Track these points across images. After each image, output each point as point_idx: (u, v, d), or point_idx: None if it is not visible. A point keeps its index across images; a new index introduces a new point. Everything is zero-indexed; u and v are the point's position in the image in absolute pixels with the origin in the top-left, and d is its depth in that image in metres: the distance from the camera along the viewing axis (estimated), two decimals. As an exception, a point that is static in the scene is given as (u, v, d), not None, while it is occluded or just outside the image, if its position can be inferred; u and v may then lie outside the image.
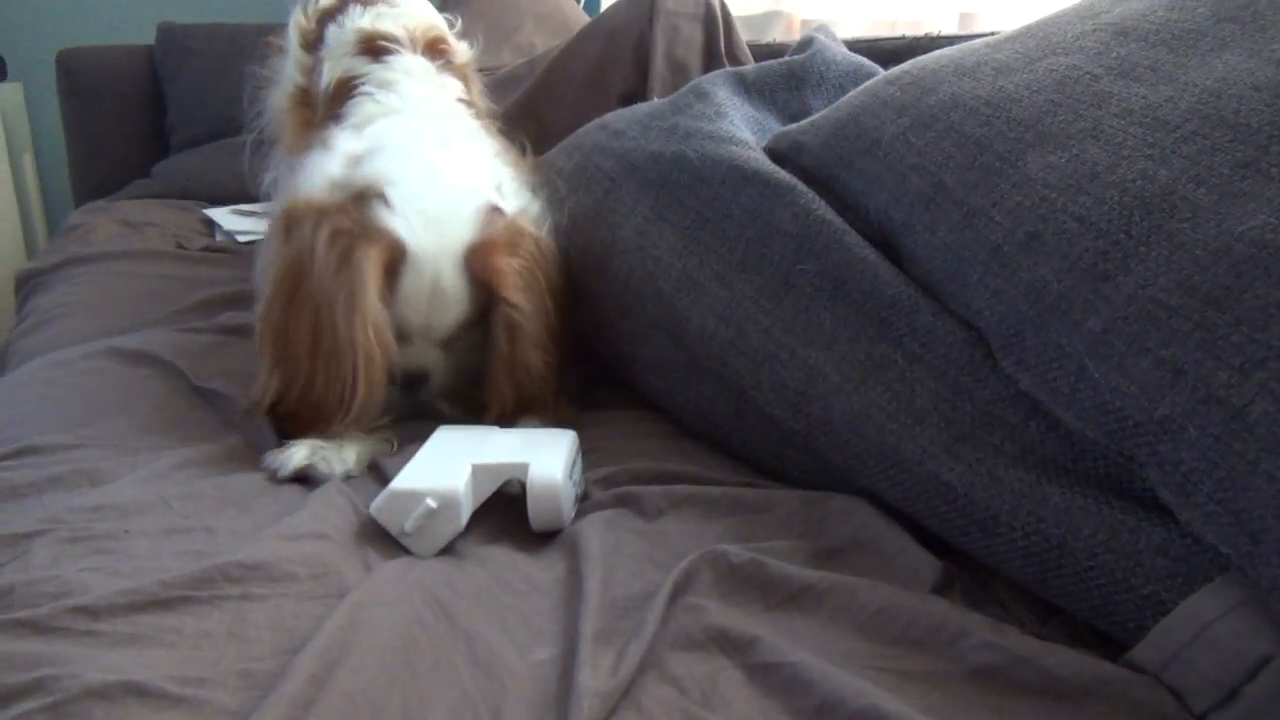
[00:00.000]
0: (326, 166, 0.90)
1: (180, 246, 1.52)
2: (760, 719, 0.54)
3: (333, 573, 0.64)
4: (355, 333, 0.78)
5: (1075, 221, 0.60)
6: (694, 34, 1.45)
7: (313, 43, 1.22)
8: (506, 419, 0.87)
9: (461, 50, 1.25)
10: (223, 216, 1.72)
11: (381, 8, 1.19)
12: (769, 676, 0.56)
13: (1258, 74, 0.59)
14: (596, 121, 1.07)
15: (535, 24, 1.97)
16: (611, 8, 1.57)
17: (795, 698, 0.54)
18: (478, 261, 0.84)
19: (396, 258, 0.82)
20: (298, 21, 1.25)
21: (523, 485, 0.71)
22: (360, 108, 1.03)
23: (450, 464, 0.72)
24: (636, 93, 1.44)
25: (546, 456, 0.73)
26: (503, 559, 0.69)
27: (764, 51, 1.57)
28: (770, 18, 2.03)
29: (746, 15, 2.06)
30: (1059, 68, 0.71)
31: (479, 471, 0.72)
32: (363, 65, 1.11)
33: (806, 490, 0.76)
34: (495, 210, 0.88)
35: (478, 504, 0.72)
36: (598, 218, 0.94)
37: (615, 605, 0.62)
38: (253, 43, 2.08)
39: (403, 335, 0.85)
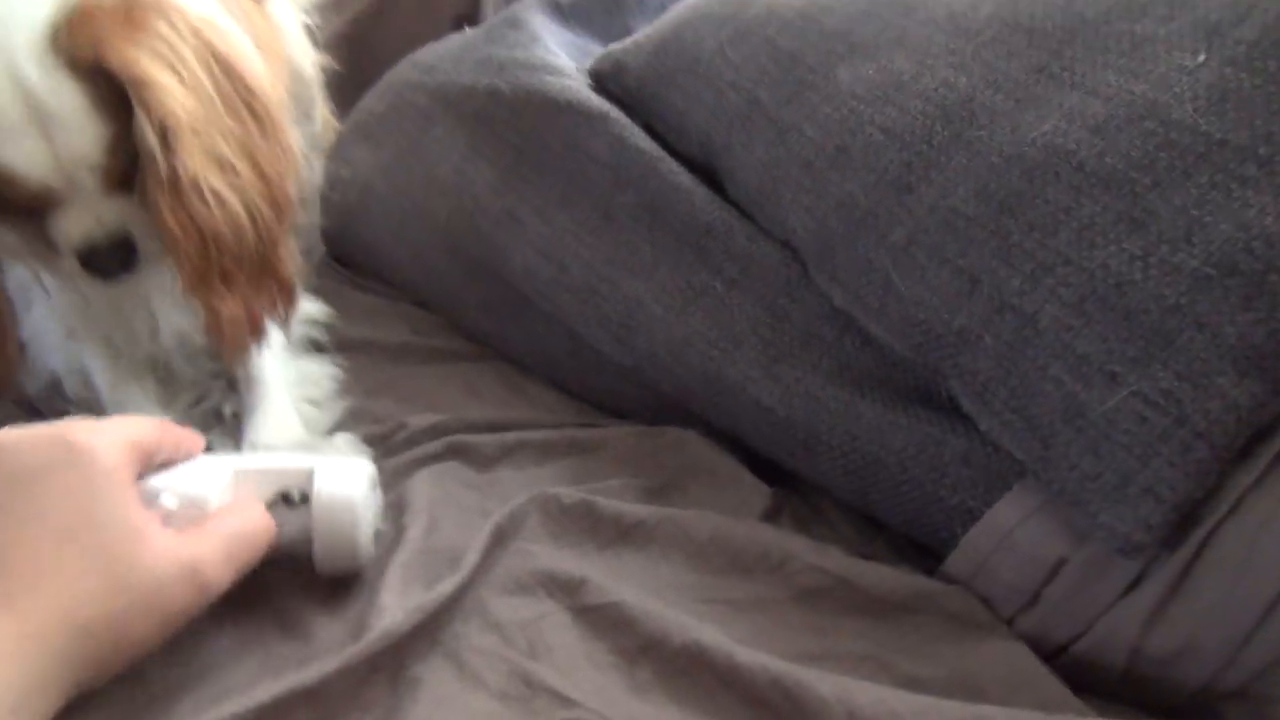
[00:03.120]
0: None
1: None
2: (585, 662, 0.52)
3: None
4: None
5: (881, 133, 0.59)
6: (527, -49, 1.38)
7: None
8: (205, 294, 0.62)
9: None
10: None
11: None
12: (595, 617, 0.55)
13: (1054, -24, 0.59)
14: (407, 59, 1.02)
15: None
16: (439, -76, 1.47)
17: (620, 637, 0.53)
18: (76, 41, 0.56)
19: None
20: None
21: (305, 496, 0.55)
22: None
23: (221, 465, 0.56)
24: (469, 15, 1.36)
25: (349, 466, 0.57)
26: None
27: (605, -31, 1.51)
28: (615, -66, 1.96)
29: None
30: (871, -24, 0.70)
31: (245, 477, 0.55)
32: None
33: (641, 426, 0.74)
34: None
35: None
36: (413, 157, 0.88)
37: (435, 552, 0.59)
38: None
39: (49, 197, 0.60)
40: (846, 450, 0.59)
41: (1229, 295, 0.44)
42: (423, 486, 0.66)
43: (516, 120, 0.83)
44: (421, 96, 0.94)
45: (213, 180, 0.59)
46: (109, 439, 0.44)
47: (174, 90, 0.58)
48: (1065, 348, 0.48)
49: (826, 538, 0.62)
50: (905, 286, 0.55)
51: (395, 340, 0.89)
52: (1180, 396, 0.44)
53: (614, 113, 0.79)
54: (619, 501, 0.64)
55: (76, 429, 0.44)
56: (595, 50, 0.96)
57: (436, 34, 1.18)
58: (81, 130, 0.58)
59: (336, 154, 1.03)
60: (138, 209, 0.62)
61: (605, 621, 0.54)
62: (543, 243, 0.77)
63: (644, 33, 0.86)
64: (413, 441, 0.73)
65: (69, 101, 0.57)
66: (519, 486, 0.68)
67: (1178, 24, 0.51)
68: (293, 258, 0.67)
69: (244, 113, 0.62)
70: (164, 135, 0.57)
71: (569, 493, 0.64)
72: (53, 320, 0.71)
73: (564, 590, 0.57)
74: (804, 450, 0.62)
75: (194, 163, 0.58)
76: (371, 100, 1.03)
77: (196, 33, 0.61)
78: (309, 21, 1.03)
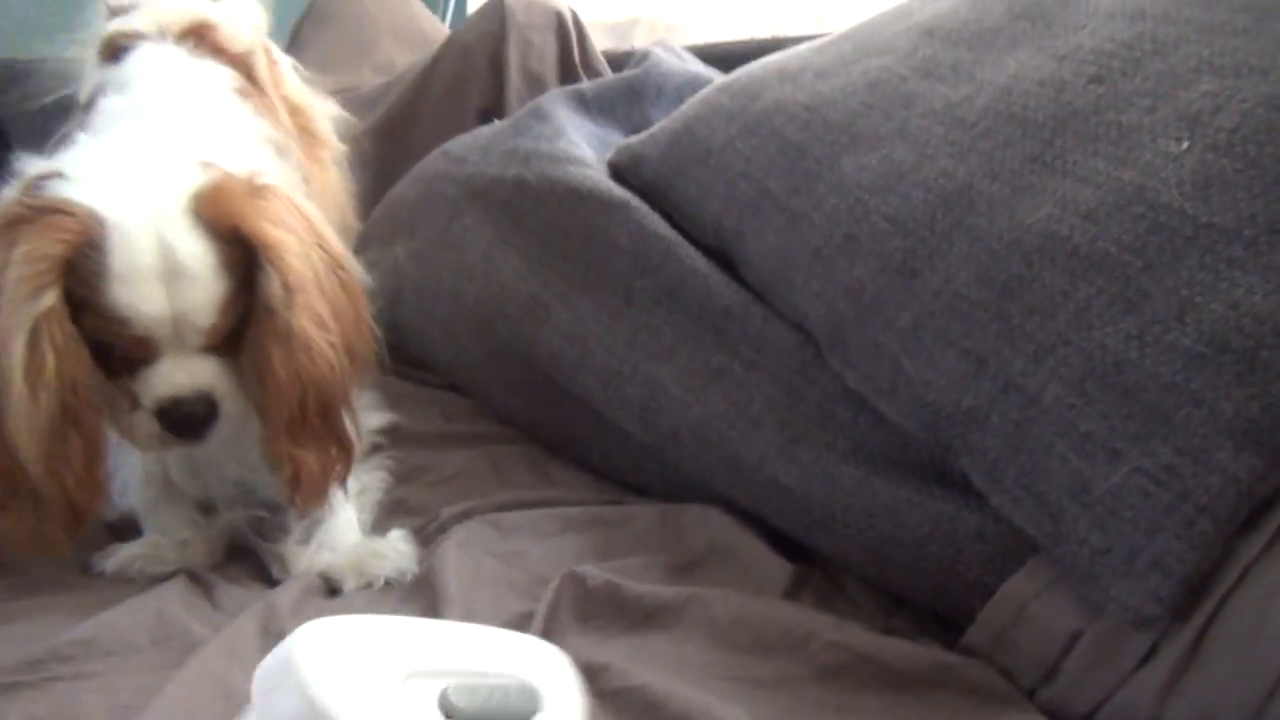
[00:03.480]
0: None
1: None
2: (611, 747, 0.54)
3: (177, 634, 0.61)
4: (16, 346, 0.58)
5: (886, 221, 0.62)
6: (547, 46, 1.45)
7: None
8: (290, 444, 0.67)
9: (241, 37, 0.98)
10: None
11: (135, 11, 0.96)
12: (620, 701, 0.55)
13: (1043, 70, 0.62)
14: (439, 150, 1.07)
15: (394, 40, 1.94)
16: (465, 23, 1.56)
17: (646, 720, 0.54)
18: (214, 208, 0.63)
19: (89, 233, 0.60)
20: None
21: None
22: (90, 123, 0.80)
23: None
24: (494, 108, 1.43)
25: None
26: (361, 608, 0.67)
27: (622, 59, 1.58)
28: (631, 24, 2.05)
29: (608, 23, 2.07)
30: (872, 70, 0.73)
31: None
32: (105, 73, 0.89)
33: (665, 503, 0.76)
34: (216, 166, 0.67)
35: None
36: (443, 245, 0.93)
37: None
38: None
39: (148, 346, 0.63)
40: (864, 528, 0.60)
41: (1223, 372, 0.46)
42: (450, 564, 0.68)
43: (541, 209, 0.88)
44: (451, 186, 0.99)
45: (316, 337, 0.66)
46: None
47: (296, 254, 0.65)
48: (1069, 426, 0.50)
49: (848, 613, 0.63)
50: (914, 368, 0.57)
51: (427, 428, 0.92)
52: (1181, 471, 0.46)
53: (634, 201, 0.83)
54: (642, 583, 0.65)
55: None
56: (616, 140, 1.01)
57: (463, 127, 1.24)
58: (205, 287, 0.63)
59: (369, 241, 1.07)
60: (224, 372, 0.67)
61: (632, 705, 0.55)
62: (566, 327, 0.80)
63: (659, 126, 0.90)
64: (444, 528, 0.75)
65: (200, 259, 0.62)
66: (543, 560, 0.70)
67: (1161, 114, 0.54)
68: (353, 418, 0.73)
69: (335, 281, 0.69)
70: (285, 290, 0.64)
71: (594, 574, 0.65)
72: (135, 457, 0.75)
73: (589, 675, 0.58)
74: (822, 529, 0.64)
75: (305, 319, 0.65)
76: (404, 189, 1.08)
77: (300, 211, 0.69)
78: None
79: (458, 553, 0.70)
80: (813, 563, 0.68)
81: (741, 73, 0.87)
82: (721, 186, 0.77)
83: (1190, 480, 0.46)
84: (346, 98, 1.74)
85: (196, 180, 0.64)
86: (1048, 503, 0.50)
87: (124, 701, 0.55)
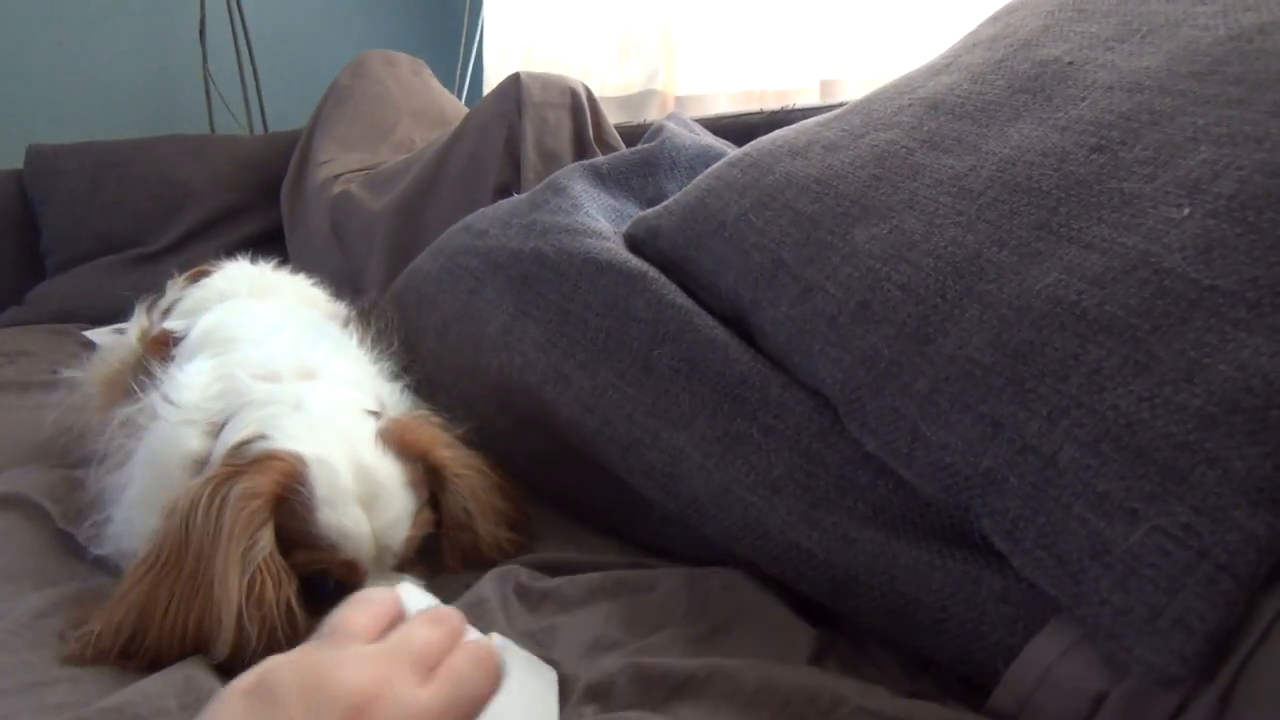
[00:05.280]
0: (181, 439, 0.77)
1: (55, 373, 1.48)
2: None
3: (205, 699, 0.62)
4: (234, 579, 0.64)
5: (898, 289, 0.64)
6: (562, 123, 1.49)
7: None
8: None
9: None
10: (103, 336, 1.68)
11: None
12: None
13: (1046, 141, 0.64)
14: (460, 223, 1.10)
15: (413, 120, 2.00)
16: (481, 102, 1.60)
17: (679, 794, 0.54)
18: (398, 438, 0.74)
19: (293, 473, 0.68)
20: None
21: None
22: (183, 304, 1.02)
23: None
24: (511, 184, 1.47)
25: None
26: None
27: (637, 133, 1.62)
28: (645, 96, 2.10)
29: (621, 96, 2.12)
30: (879, 143, 0.76)
31: None
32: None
33: (691, 567, 0.76)
34: (383, 415, 0.79)
35: None
36: (465, 318, 0.95)
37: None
38: (127, 159, 2.07)
39: (354, 570, 0.70)
40: (886, 591, 0.61)
41: (1234, 432, 0.47)
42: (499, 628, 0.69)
43: (560, 281, 0.90)
44: (472, 259, 1.01)
45: (498, 532, 0.80)
46: None
47: (469, 478, 0.79)
48: (1086, 486, 0.51)
49: (873, 678, 0.63)
50: (931, 432, 0.58)
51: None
52: (1199, 530, 0.47)
53: (652, 272, 0.85)
54: (666, 657, 0.65)
55: None
56: (631, 212, 1.04)
57: (481, 203, 1.28)
58: (399, 501, 0.72)
59: (399, 312, 1.10)
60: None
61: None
62: (587, 396, 0.82)
63: (674, 199, 0.93)
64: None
65: (394, 477, 0.72)
66: (572, 632, 0.70)
67: (1160, 181, 0.56)
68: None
69: (491, 474, 0.83)
70: (467, 511, 0.78)
71: (612, 660, 0.65)
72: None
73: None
74: (845, 592, 0.64)
75: (488, 523, 0.79)
76: (425, 262, 1.11)
77: (444, 431, 0.82)
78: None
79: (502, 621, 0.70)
80: (837, 627, 0.69)
81: (752, 147, 0.90)
82: (737, 258, 0.79)
83: (1209, 538, 0.46)
84: (367, 175, 1.80)
85: (372, 422, 0.75)
86: (1068, 563, 0.51)
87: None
